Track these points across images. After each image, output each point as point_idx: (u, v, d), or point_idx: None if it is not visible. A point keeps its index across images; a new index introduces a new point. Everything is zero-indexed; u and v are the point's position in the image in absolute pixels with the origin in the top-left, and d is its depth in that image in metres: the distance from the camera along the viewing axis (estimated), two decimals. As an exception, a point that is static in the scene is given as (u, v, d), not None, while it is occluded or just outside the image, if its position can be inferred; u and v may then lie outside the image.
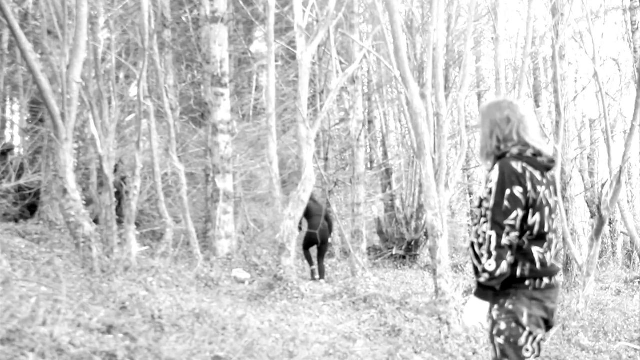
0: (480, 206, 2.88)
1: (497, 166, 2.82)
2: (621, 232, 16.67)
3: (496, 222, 2.72)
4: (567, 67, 13.26)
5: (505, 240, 2.71)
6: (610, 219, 14.37)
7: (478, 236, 2.84)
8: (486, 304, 2.78)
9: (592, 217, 15.62)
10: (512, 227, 2.72)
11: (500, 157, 2.88)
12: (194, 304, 6.61)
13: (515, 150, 2.85)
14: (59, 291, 5.73)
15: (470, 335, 6.50)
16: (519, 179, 2.76)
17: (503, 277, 2.72)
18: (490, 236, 2.72)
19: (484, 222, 2.82)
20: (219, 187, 10.98)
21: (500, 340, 2.76)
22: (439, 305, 7.11)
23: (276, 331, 6.05)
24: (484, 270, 2.71)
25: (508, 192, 2.73)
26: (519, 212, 2.73)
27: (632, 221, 15.03)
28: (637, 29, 12.30)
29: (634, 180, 16.95)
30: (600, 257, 12.12)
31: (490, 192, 2.78)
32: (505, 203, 2.72)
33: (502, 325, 2.77)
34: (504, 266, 2.69)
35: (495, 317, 2.82)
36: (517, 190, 2.74)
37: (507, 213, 2.72)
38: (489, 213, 2.75)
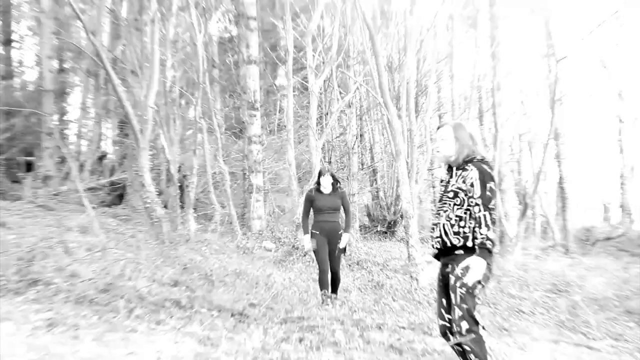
0: (455, 196, 2.85)
1: (473, 167, 2.80)
2: (540, 214, 16.60)
3: (487, 206, 2.72)
4: (502, 96, 13.19)
5: (494, 217, 2.74)
6: (532, 205, 14.34)
7: (450, 219, 2.84)
8: (485, 263, 2.69)
9: (519, 204, 15.58)
10: (494, 209, 2.75)
11: (468, 161, 2.85)
12: (235, 265, 6.66)
13: (479, 157, 2.85)
14: (140, 256, 5.78)
15: (432, 288, 6.51)
16: (491, 176, 2.79)
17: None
18: (485, 215, 2.72)
19: (457, 207, 2.82)
20: (252, 182, 11.00)
21: (462, 290, 2.74)
22: (410, 267, 7.13)
23: (294, 285, 6.09)
24: (487, 239, 2.69)
25: (489, 185, 2.75)
26: (494, 200, 2.76)
27: (547, 206, 15.05)
28: (550, 72, 12.24)
29: (548, 177, 16.84)
30: (524, 232, 12.10)
31: (472, 185, 2.77)
32: (488, 193, 2.74)
33: (465, 280, 2.75)
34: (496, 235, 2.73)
35: (460, 274, 2.77)
36: (493, 184, 2.77)
37: (490, 200, 2.74)
38: (479, 200, 2.74)
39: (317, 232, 5.52)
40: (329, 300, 5.45)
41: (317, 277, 5.65)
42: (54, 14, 12.55)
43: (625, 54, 15.21)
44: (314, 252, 5.51)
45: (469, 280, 2.72)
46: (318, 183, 5.70)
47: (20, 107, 11.70)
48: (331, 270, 5.53)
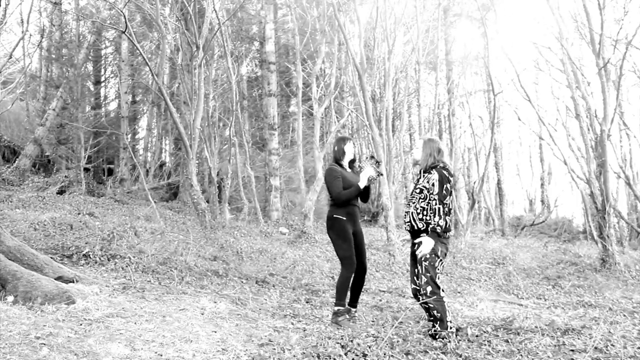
0: (421, 192, 2.81)
1: (435, 172, 2.76)
2: (483, 206, 16.50)
3: (442, 201, 2.71)
4: (456, 120, 13.12)
5: (446, 210, 2.71)
6: (478, 200, 14.27)
7: (417, 208, 2.80)
8: (433, 241, 2.70)
9: (469, 199, 15.47)
10: (447, 204, 2.71)
11: (432, 167, 2.82)
12: (259, 245, 6.61)
13: (442, 164, 2.82)
14: (189, 238, 5.75)
15: (405, 262, 6.46)
16: (448, 179, 2.75)
17: (443, 229, 2.71)
18: (439, 208, 2.70)
19: (422, 200, 2.78)
20: (272, 183, 10.96)
21: (425, 263, 2.72)
22: (388, 247, 7.08)
23: (303, 260, 6.05)
24: (438, 225, 2.68)
25: (445, 186, 2.72)
26: (449, 197, 2.73)
27: (489, 200, 15.00)
28: (490, 102, 12.15)
29: (490, 179, 16.72)
30: (472, 220, 12.02)
31: (433, 185, 2.73)
32: (444, 192, 2.71)
33: (427, 255, 2.73)
34: (445, 224, 2.71)
35: (415, 248, 2.77)
36: (449, 185, 2.74)
37: (445, 197, 2.71)
38: (436, 196, 2.71)
39: (344, 218, 3.13)
40: (342, 318, 3.03)
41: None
42: (130, 62, 12.69)
43: (542, 89, 15.17)
44: (340, 241, 3.10)
45: (420, 252, 2.70)
46: (342, 154, 3.37)
47: (104, 128, 11.79)
48: (357, 269, 3.13)
